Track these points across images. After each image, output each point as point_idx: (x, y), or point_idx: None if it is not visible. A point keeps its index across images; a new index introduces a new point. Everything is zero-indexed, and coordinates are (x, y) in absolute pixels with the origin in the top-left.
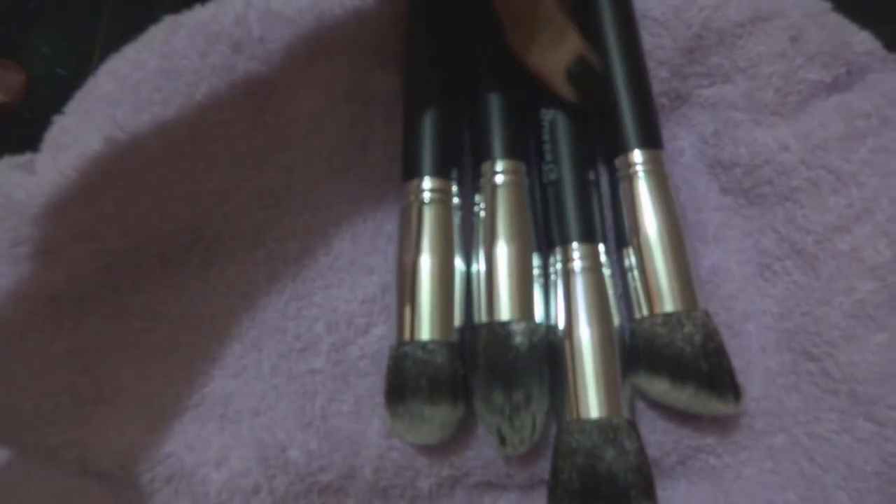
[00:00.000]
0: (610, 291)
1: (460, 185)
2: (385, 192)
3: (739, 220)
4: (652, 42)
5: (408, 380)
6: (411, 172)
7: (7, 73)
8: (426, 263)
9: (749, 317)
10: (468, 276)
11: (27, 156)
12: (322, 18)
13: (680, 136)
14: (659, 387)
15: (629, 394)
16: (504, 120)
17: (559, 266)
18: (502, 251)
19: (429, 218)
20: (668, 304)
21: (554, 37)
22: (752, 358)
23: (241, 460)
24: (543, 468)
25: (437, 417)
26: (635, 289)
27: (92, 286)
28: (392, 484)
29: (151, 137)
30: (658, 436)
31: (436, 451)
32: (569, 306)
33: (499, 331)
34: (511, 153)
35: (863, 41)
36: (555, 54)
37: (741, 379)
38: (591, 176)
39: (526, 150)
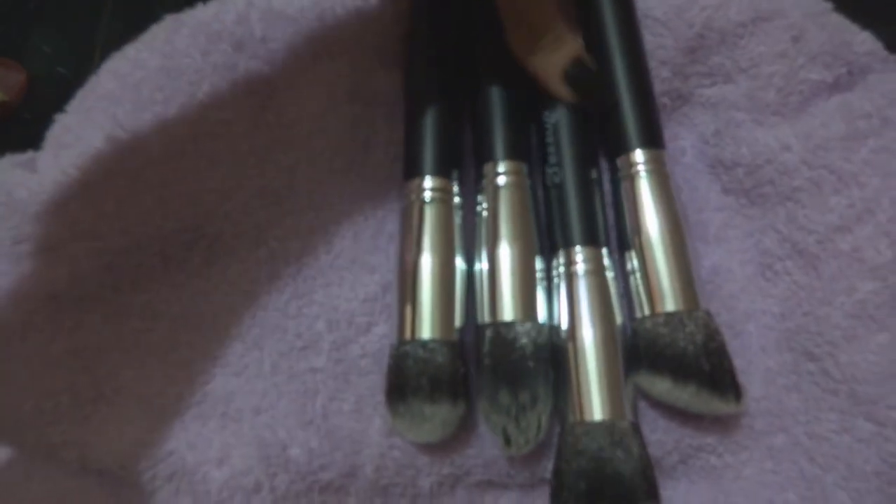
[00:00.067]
0: (613, 294)
1: (463, 185)
2: (387, 191)
3: (741, 219)
4: (653, 41)
5: (408, 378)
6: (412, 172)
7: (8, 72)
8: (427, 262)
9: (750, 317)
10: (471, 276)
11: (29, 154)
12: (324, 18)
13: (681, 136)
14: (661, 386)
15: (632, 395)
16: (506, 120)
17: (562, 269)
18: (505, 251)
19: (430, 217)
20: (670, 304)
21: (552, 39)
22: (752, 358)
23: (243, 459)
24: (545, 467)
25: (437, 416)
26: (637, 288)
27: (92, 285)
28: (393, 482)
29: (153, 136)
30: (659, 435)
31: (437, 449)
32: (572, 309)
33: (504, 332)
34: (513, 154)
35: (864, 42)
36: (552, 56)
37: (742, 379)
38: (594, 175)
39: (528, 150)
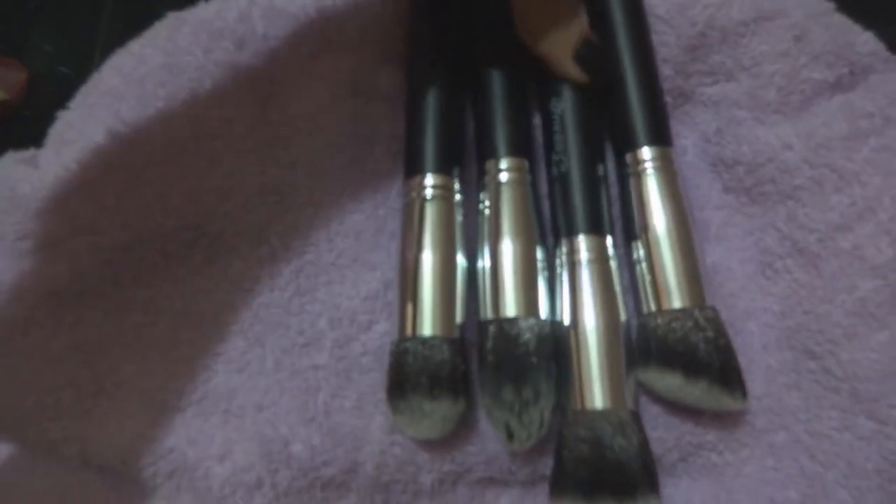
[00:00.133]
0: (616, 284)
1: (464, 182)
2: (388, 188)
3: (741, 218)
4: (656, 39)
5: (409, 375)
6: (414, 169)
7: (8, 71)
8: (428, 260)
9: (750, 315)
10: (472, 273)
11: (31, 151)
12: (325, 15)
13: (683, 135)
14: (672, 381)
15: (633, 386)
16: (507, 117)
17: (565, 258)
18: (507, 248)
19: (431, 214)
20: (677, 301)
21: (563, 20)
22: (753, 356)
23: (244, 455)
24: (546, 464)
25: (437, 412)
26: (643, 284)
27: (93, 280)
28: (394, 479)
29: (155, 132)
30: (660, 432)
31: (438, 446)
32: (574, 297)
33: (507, 328)
34: (515, 151)
35: (866, 42)
36: (563, 38)
37: (743, 377)
38: (601, 171)
39: (529, 146)
